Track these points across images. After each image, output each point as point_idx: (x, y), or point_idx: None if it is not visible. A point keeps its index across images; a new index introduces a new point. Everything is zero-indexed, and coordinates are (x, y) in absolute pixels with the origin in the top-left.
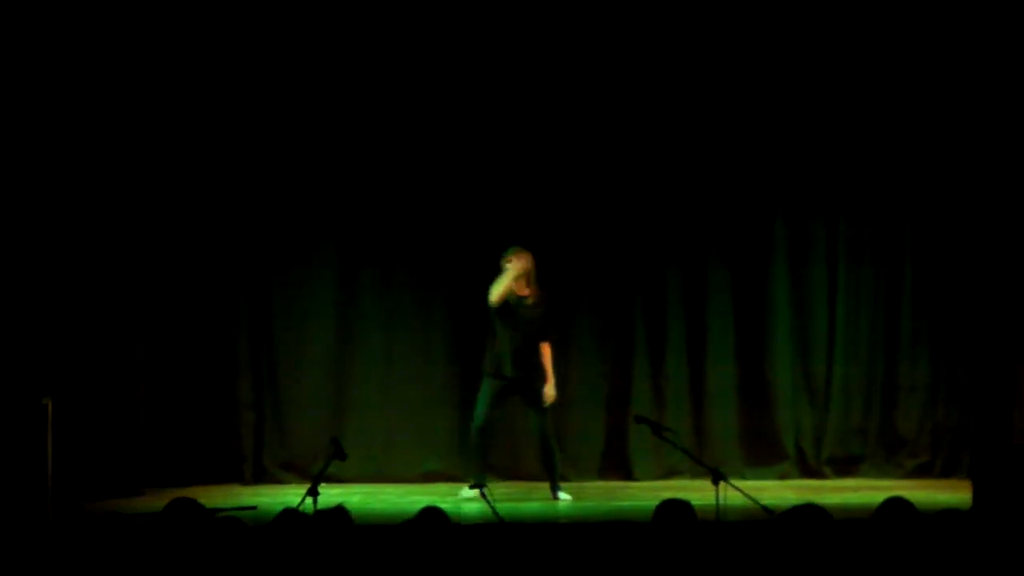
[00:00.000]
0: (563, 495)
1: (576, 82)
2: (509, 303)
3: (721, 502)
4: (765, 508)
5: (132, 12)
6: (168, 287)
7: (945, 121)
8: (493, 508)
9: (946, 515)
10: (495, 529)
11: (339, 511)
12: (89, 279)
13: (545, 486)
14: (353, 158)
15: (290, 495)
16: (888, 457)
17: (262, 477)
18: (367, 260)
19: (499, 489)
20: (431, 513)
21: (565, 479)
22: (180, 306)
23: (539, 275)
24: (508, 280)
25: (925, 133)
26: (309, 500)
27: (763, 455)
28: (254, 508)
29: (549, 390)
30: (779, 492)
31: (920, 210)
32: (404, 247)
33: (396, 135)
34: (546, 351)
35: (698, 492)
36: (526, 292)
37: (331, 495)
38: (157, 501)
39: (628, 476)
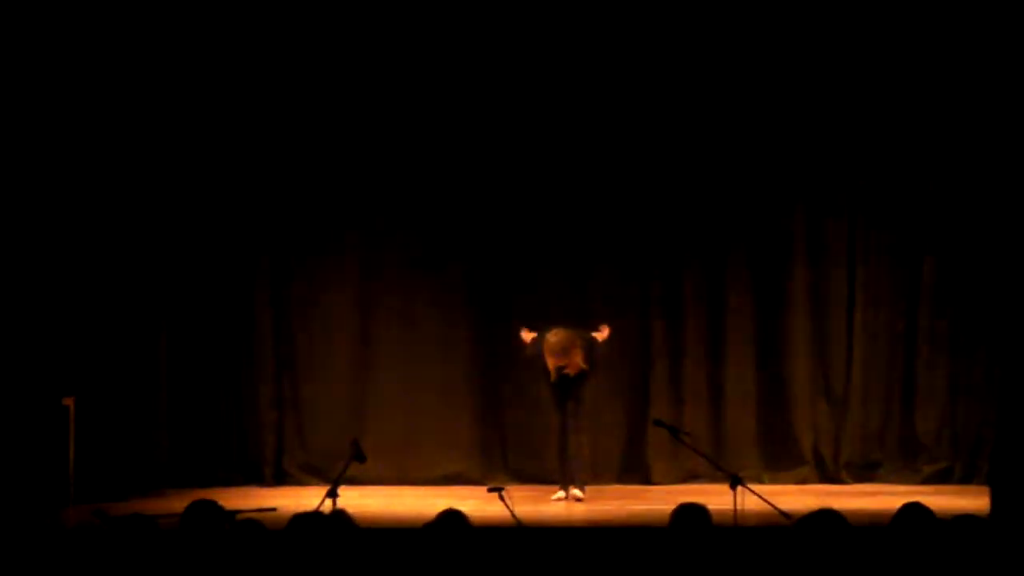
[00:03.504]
0: (577, 492)
1: (595, 79)
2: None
3: (739, 506)
4: (783, 513)
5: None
6: (189, 289)
7: (962, 119)
8: (512, 511)
9: (964, 521)
10: (514, 533)
11: (340, 514)
12: (110, 280)
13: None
14: (373, 159)
15: (310, 497)
16: (906, 463)
17: (282, 479)
18: (387, 262)
19: (518, 492)
20: (451, 516)
21: (584, 482)
22: (201, 308)
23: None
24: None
25: (943, 133)
26: (328, 502)
27: (782, 459)
28: (274, 510)
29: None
30: (797, 497)
31: (938, 210)
32: (424, 249)
33: (415, 134)
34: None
35: (716, 496)
36: (564, 363)
37: (351, 497)
38: (177, 502)
39: (646, 480)
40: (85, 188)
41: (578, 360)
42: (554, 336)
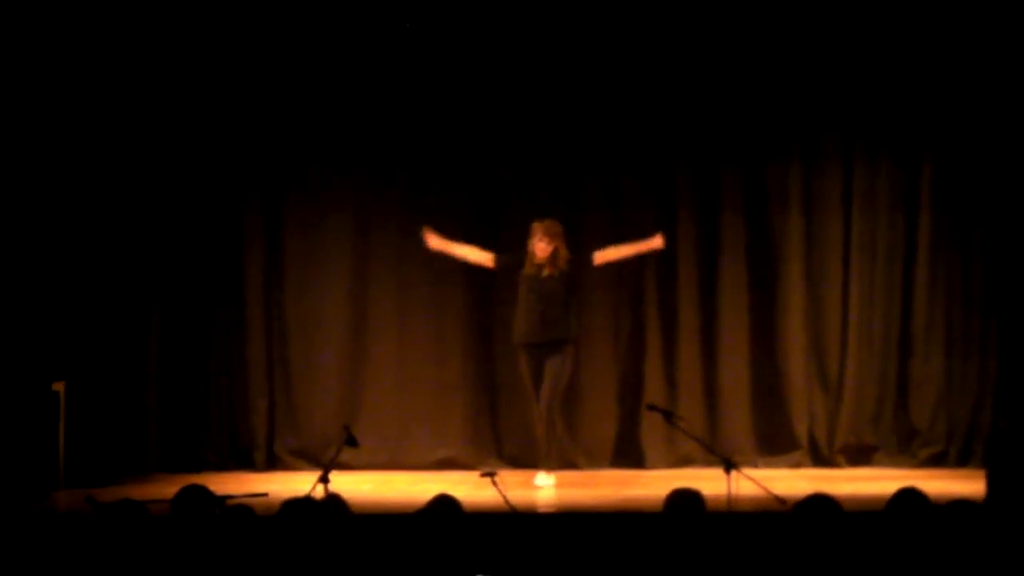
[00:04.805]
0: (541, 480)
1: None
2: (529, 272)
3: (733, 491)
4: (777, 498)
5: None
6: (179, 272)
7: (962, 101)
8: (505, 496)
9: (960, 506)
10: (506, 518)
11: (333, 500)
12: (100, 265)
13: (557, 475)
14: (363, 133)
15: (302, 482)
16: (901, 446)
17: (274, 464)
18: (379, 245)
19: (511, 478)
20: (443, 501)
21: (576, 467)
22: (192, 291)
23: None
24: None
25: (938, 118)
26: (320, 487)
27: (776, 444)
28: (265, 495)
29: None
30: (792, 481)
31: (931, 200)
32: (416, 229)
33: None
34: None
35: (710, 481)
36: (544, 261)
37: (343, 483)
38: (168, 488)
39: (640, 464)
40: (72, 169)
41: (564, 252)
42: (540, 224)
